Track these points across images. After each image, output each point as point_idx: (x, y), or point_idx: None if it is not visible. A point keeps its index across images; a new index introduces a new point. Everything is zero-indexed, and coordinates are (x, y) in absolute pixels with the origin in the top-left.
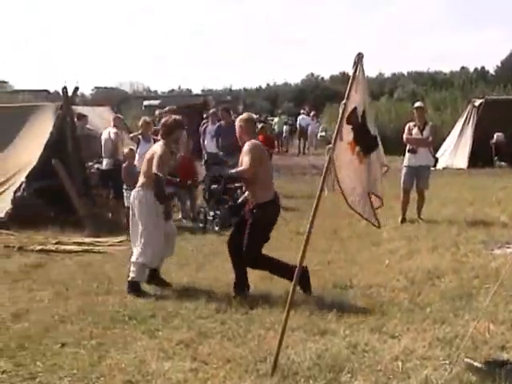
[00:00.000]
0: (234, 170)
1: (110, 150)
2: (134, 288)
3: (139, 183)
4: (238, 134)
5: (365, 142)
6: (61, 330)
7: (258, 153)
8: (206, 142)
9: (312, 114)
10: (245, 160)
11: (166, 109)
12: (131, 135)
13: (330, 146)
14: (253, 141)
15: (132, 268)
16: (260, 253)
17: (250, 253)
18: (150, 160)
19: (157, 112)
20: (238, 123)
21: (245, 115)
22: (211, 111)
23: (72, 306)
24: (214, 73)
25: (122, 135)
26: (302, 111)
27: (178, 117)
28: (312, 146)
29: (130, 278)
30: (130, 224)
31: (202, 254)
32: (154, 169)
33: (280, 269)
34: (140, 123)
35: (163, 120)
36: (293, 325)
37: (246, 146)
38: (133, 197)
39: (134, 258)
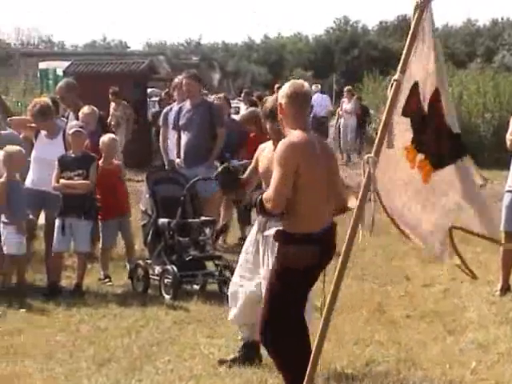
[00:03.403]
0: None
1: None
2: None
3: None
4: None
5: (435, 146)
6: None
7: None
8: (167, 141)
9: (347, 90)
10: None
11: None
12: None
13: (370, 155)
14: (296, 133)
15: None
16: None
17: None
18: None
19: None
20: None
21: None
22: (174, 83)
23: None
24: (167, 17)
25: None
26: (314, 86)
27: None
28: (345, 150)
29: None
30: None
31: (138, 347)
32: None
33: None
34: (30, 107)
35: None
36: None
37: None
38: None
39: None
